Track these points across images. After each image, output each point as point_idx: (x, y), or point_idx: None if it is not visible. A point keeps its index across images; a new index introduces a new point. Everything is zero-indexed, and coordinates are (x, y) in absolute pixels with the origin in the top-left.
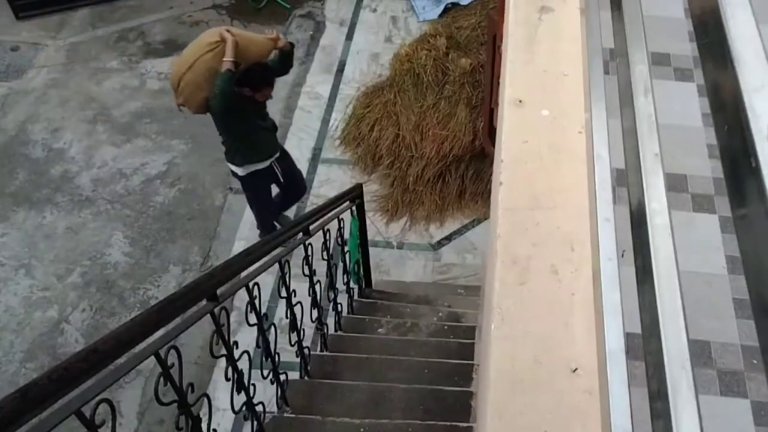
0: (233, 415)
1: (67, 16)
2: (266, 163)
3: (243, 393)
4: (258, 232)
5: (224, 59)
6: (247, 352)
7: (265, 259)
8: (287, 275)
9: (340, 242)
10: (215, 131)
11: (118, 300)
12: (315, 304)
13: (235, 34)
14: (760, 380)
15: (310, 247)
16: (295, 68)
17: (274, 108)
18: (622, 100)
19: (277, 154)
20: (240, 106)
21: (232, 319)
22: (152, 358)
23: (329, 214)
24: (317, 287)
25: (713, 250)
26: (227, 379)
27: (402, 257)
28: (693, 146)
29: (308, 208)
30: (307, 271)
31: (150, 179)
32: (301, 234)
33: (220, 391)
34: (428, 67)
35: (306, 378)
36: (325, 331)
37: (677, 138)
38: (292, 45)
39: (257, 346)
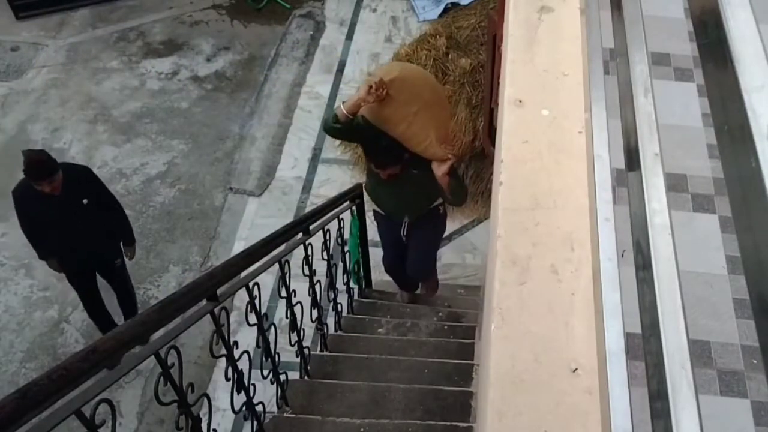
0: (233, 415)
1: (67, 16)
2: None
3: (243, 393)
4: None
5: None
6: (247, 352)
7: (265, 259)
8: (287, 275)
9: (340, 242)
10: (215, 131)
11: None
12: (315, 304)
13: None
14: (760, 380)
15: (310, 247)
16: (295, 68)
17: (274, 108)
18: (622, 100)
19: None
20: None
21: (232, 319)
22: (152, 358)
23: (329, 214)
24: (317, 287)
25: (713, 250)
26: (227, 379)
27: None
28: (693, 146)
29: (308, 208)
30: (307, 271)
31: (150, 179)
32: (301, 234)
33: (220, 391)
34: (428, 67)
35: (306, 378)
36: (325, 331)
37: (677, 138)
38: (462, 188)
39: (257, 346)
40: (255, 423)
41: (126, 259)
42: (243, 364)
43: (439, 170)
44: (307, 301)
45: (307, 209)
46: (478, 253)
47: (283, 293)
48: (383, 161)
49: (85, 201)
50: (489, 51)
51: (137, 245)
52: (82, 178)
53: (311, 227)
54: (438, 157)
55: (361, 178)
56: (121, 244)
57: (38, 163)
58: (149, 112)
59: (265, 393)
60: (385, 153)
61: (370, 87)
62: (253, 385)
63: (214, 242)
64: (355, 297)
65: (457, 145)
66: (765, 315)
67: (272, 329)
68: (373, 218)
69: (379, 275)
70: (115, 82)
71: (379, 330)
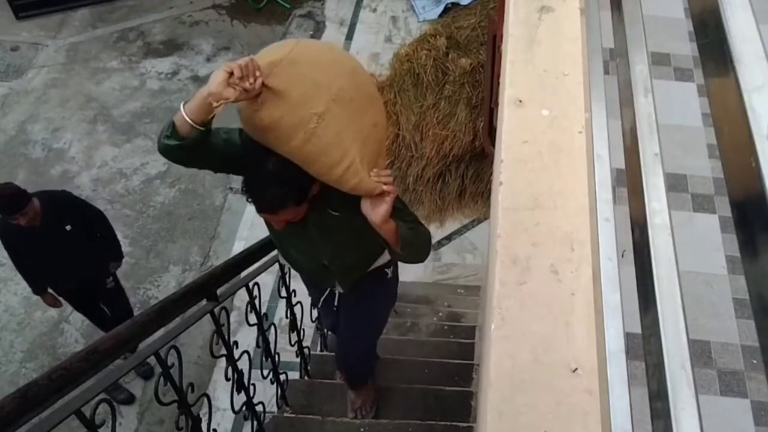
0: (233, 415)
1: (67, 16)
2: None
3: (243, 393)
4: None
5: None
6: (247, 352)
7: (265, 259)
8: (287, 275)
9: None
10: None
11: None
12: (315, 304)
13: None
14: (760, 380)
15: None
16: None
17: None
18: (622, 100)
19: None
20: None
21: (232, 319)
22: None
23: None
24: None
25: (713, 250)
26: (227, 379)
27: None
28: (693, 146)
29: None
30: None
31: (150, 179)
32: None
33: (220, 391)
34: (428, 67)
35: (306, 378)
36: (325, 331)
37: (677, 138)
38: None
39: (257, 346)
40: (255, 423)
41: (122, 283)
42: (243, 364)
43: (374, 213)
44: (307, 301)
45: None
46: (478, 253)
47: (283, 293)
48: (265, 200)
49: (68, 227)
50: (489, 51)
51: (138, 245)
52: (61, 204)
53: None
54: (366, 191)
55: None
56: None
57: (5, 198)
58: (149, 112)
59: (265, 393)
60: (268, 186)
61: (230, 73)
62: (253, 385)
63: (214, 242)
64: None
65: (386, 173)
66: (765, 315)
67: (272, 329)
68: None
69: None
70: (115, 82)
71: None
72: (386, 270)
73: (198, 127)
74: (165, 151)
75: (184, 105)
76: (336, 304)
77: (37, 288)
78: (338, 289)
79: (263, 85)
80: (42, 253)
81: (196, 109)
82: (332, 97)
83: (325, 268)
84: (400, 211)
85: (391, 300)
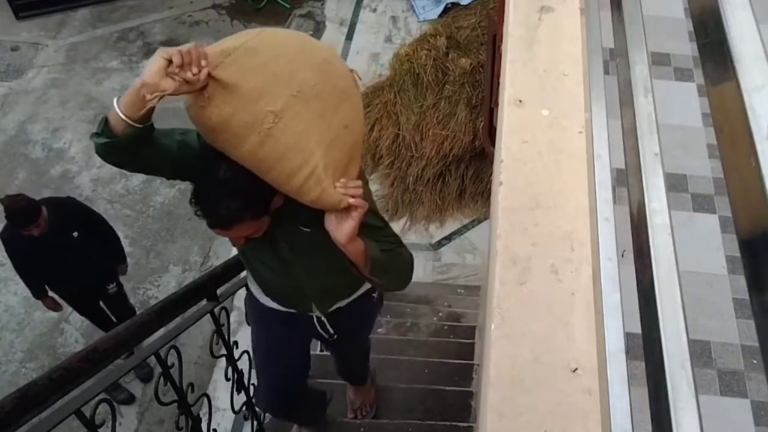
0: (233, 415)
1: (67, 16)
2: None
3: (243, 393)
4: None
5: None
6: (247, 352)
7: None
8: None
9: None
10: None
11: None
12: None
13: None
14: (760, 380)
15: None
16: None
17: None
18: (622, 100)
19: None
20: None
21: (232, 319)
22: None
23: None
24: None
25: (713, 250)
26: (227, 379)
27: None
28: (693, 146)
29: None
30: None
31: (150, 179)
32: None
33: (220, 391)
34: (428, 67)
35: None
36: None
37: (677, 138)
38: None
39: None
40: (255, 423)
41: (124, 289)
42: (243, 364)
43: (338, 231)
44: None
45: None
46: (478, 253)
47: None
48: (217, 214)
49: (75, 234)
50: (489, 51)
51: (138, 245)
52: (67, 210)
53: None
54: (329, 204)
55: None
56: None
57: (20, 210)
58: None
59: None
60: (220, 197)
61: (168, 61)
62: (253, 384)
63: (214, 242)
64: None
65: (354, 185)
66: (765, 315)
67: None
68: (245, 303)
69: None
70: (115, 82)
71: (379, 330)
72: (372, 295)
73: (133, 123)
74: (99, 151)
75: (117, 99)
76: (329, 333)
77: (38, 292)
78: (315, 313)
79: (210, 76)
80: (48, 259)
81: (128, 102)
82: (293, 92)
83: (299, 289)
84: (377, 230)
85: (375, 319)
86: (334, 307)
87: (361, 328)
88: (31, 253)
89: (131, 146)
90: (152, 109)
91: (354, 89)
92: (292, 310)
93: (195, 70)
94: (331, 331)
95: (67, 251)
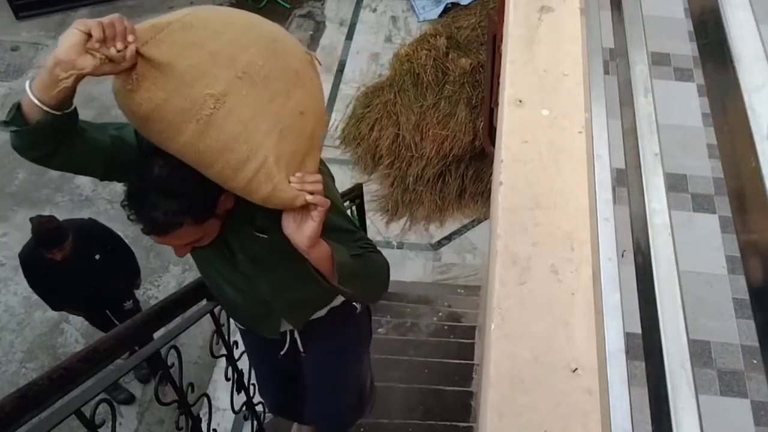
0: (233, 415)
1: (67, 16)
2: None
3: (243, 393)
4: None
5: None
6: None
7: None
8: None
9: None
10: None
11: None
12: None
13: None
14: (760, 380)
15: None
16: None
17: None
18: (622, 100)
19: None
20: None
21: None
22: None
23: None
24: None
25: (713, 250)
26: (227, 379)
27: (402, 257)
28: (693, 146)
29: None
30: None
31: None
32: None
33: (220, 391)
34: (428, 67)
35: None
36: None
37: (677, 138)
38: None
39: None
40: (255, 423)
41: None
42: (243, 364)
43: (297, 234)
44: None
45: None
46: (478, 253)
47: None
48: (151, 218)
49: (97, 257)
50: (489, 51)
51: (138, 245)
52: (90, 233)
53: None
54: (284, 202)
55: (361, 178)
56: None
57: (49, 231)
58: None
59: None
60: (155, 197)
61: (87, 35)
62: (253, 384)
63: None
64: None
65: (313, 179)
66: (765, 315)
67: None
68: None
69: None
70: None
71: (379, 330)
72: (354, 304)
73: (48, 109)
74: (14, 144)
75: (30, 84)
76: (284, 352)
77: (55, 307)
78: (286, 328)
79: (138, 54)
80: (69, 282)
81: (42, 84)
82: (237, 73)
83: (266, 307)
84: (345, 233)
85: (366, 339)
86: (311, 318)
87: (341, 349)
88: (52, 276)
89: (49, 137)
90: (71, 93)
91: (310, 72)
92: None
93: (120, 45)
94: (301, 348)
95: (89, 274)
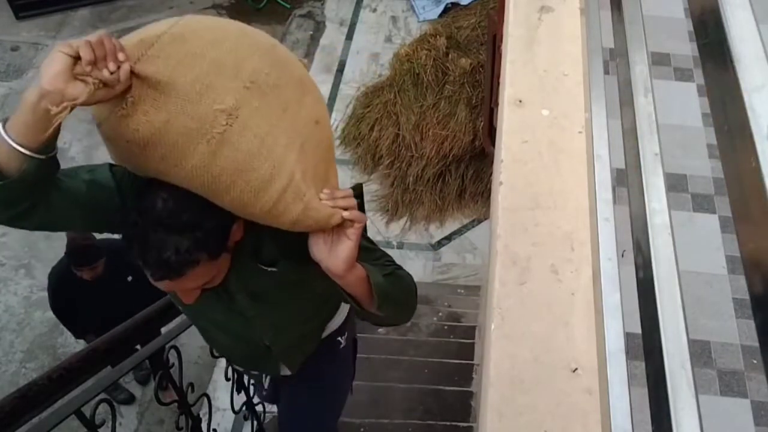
0: (233, 415)
1: (67, 16)
2: None
3: (243, 393)
4: None
5: None
6: None
7: None
8: None
9: None
10: None
11: None
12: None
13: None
14: (760, 380)
15: None
16: None
17: None
18: (622, 100)
19: None
20: None
21: None
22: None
23: None
24: None
25: (713, 250)
26: (227, 379)
27: (402, 257)
28: (693, 146)
29: None
30: None
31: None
32: None
33: (220, 391)
34: (428, 67)
35: None
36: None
37: (677, 138)
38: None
39: None
40: (255, 423)
41: None
42: None
43: (332, 257)
44: None
45: None
46: (478, 253)
47: None
48: (164, 260)
49: (129, 279)
50: (489, 51)
51: None
52: (124, 254)
53: None
54: (317, 222)
55: (361, 178)
56: None
57: (82, 248)
58: None
59: None
60: (164, 236)
61: (75, 58)
62: (253, 384)
63: None
64: None
65: (343, 194)
66: (765, 315)
67: None
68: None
69: None
70: None
71: (379, 330)
72: (338, 339)
73: (33, 154)
74: None
75: (3, 125)
76: (267, 389)
77: (80, 334)
78: (284, 372)
79: (132, 74)
80: (98, 304)
81: (24, 125)
82: (245, 83)
83: (266, 349)
84: (368, 251)
85: (350, 376)
86: (294, 362)
87: (322, 392)
88: (80, 297)
89: (29, 189)
90: (57, 130)
91: (310, 78)
92: (254, 372)
93: (112, 66)
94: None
95: (121, 296)
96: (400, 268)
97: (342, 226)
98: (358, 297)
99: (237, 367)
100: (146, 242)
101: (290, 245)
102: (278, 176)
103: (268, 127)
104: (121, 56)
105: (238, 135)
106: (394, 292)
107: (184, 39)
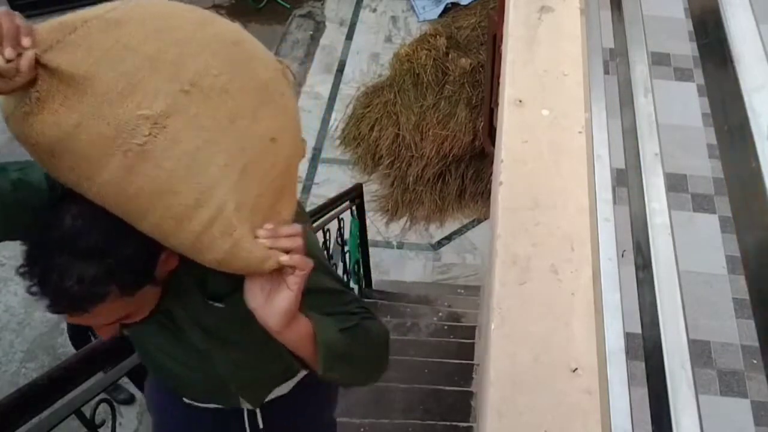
0: None
1: None
2: None
3: None
4: None
5: None
6: None
7: None
8: None
9: (340, 242)
10: None
11: None
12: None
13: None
14: (760, 380)
15: None
16: (294, 68)
17: None
18: (622, 100)
19: None
20: None
21: None
22: None
23: (329, 214)
24: None
25: (713, 250)
26: None
27: (402, 257)
28: (693, 146)
29: (308, 208)
30: None
31: None
32: None
33: None
34: (428, 67)
35: None
36: None
37: (677, 138)
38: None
39: None
40: None
41: None
42: None
43: (266, 309)
44: None
45: (307, 209)
46: (478, 253)
47: None
48: (63, 289)
49: None
50: (489, 51)
51: None
52: None
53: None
54: (248, 265)
55: (361, 178)
56: None
57: None
58: None
59: None
60: (65, 261)
61: None
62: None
63: None
64: None
65: (289, 231)
66: (765, 315)
67: None
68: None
69: (379, 275)
70: None
71: None
72: (319, 384)
73: None
74: None
75: None
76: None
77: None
78: (245, 406)
79: (39, 64)
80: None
81: None
82: (184, 85)
83: (223, 386)
84: (332, 296)
85: (333, 407)
86: (271, 396)
87: (297, 426)
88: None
89: None
90: None
91: (283, 86)
92: (212, 405)
93: (9, 53)
94: (261, 425)
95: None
96: (370, 317)
97: (282, 272)
98: (300, 354)
99: (188, 401)
100: (45, 265)
101: (240, 278)
102: (205, 204)
103: (204, 142)
104: (25, 41)
105: (163, 149)
106: (351, 351)
107: (119, 26)
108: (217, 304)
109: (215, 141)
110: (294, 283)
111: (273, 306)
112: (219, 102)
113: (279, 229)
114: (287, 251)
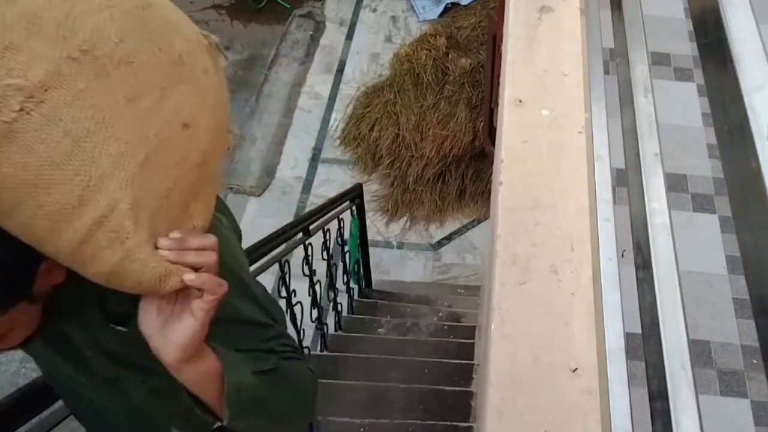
0: None
1: None
2: None
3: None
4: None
5: None
6: None
7: (265, 258)
8: (287, 275)
9: (340, 242)
10: None
11: None
12: (315, 303)
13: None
14: (760, 380)
15: (310, 247)
16: (294, 68)
17: (274, 108)
18: (622, 100)
19: None
20: None
21: None
22: None
23: (329, 214)
24: (317, 287)
25: (713, 250)
26: None
27: (402, 257)
28: (693, 146)
29: (308, 208)
30: (307, 271)
31: None
32: (301, 234)
33: None
34: (428, 67)
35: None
36: (325, 330)
37: (677, 138)
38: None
39: None
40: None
41: None
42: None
43: (162, 338)
44: (307, 301)
45: (307, 209)
46: (478, 253)
47: (283, 293)
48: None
49: None
50: (489, 51)
51: None
52: None
53: (311, 227)
54: (141, 284)
55: (361, 178)
56: None
57: None
58: None
59: None
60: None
61: None
62: None
63: None
64: (355, 297)
65: (200, 243)
66: (765, 315)
67: None
68: None
69: (379, 275)
70: None
71: (379, 330)
72: None
73: None
74: None
75: None
76: None
77: None
78: None
79: None
80: None
81: None
82: (72, 51)
83: (150, 422)
84: (251, 328)
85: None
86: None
87: None
88: None
89: None
90: None
91: (204, 61)
92: None
93: None
94: None
95: None
96: (297, 357)
97: (187, 294)
98: (202, 397)
99: None
100: None
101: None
102: (90, 203)
103: (95, 124)
104: None
105: (37, 129)
106: (265, 399)
107: None
108: (119, 328)
109: (109, 123)
110: (200, 310)
111: (170, 335)
112: (118, 75)
113: (187, 239)
114: (195, 268)
